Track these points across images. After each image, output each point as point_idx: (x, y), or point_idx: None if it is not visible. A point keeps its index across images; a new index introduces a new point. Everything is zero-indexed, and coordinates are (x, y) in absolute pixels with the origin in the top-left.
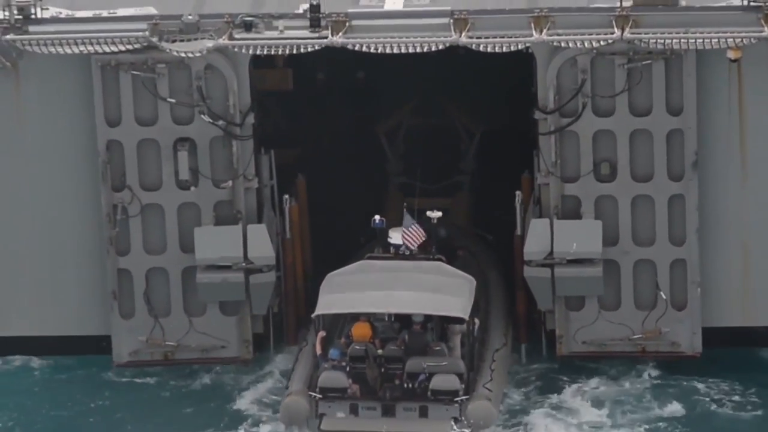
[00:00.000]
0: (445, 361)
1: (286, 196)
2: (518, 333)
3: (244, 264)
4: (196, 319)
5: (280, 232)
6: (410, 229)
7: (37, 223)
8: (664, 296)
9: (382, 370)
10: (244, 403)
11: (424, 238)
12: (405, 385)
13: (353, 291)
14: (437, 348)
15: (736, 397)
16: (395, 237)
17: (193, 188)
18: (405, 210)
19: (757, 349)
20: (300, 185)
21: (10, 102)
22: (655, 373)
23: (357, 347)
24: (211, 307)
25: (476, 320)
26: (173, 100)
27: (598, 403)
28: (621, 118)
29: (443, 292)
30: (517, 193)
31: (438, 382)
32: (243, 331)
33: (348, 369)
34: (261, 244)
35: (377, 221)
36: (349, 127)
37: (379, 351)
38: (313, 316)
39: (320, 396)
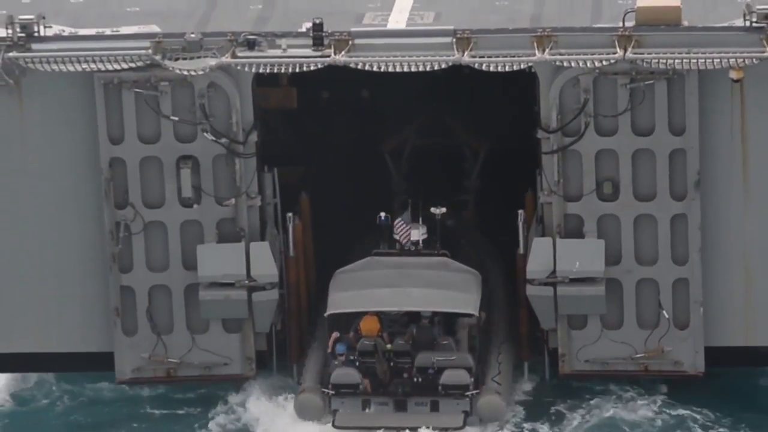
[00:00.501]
0: (454, 355)
1: (290, 214)
2: (521, 351)
3: (246, 281)
4: (198, 337)
5: (284, 250)
6: (403, 225)
7: (40, 240)
8: (666, 315)
9: (391, 364)
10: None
11: (421, 236)
12: (414, 380)
13: (362, 288)
14: (445, 342)
15: (739, 417)
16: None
17: (195, 206)
18: (410, 207)
19: (759, 368)
20: (304, 203)
21: (14, 119)
22: (657, 392)
23: (366, 342)
24: (214, 325)
25: (483, 314)
26: (176, 118)
27: (600, 422)
28: (623, 138)
29: (451, 287)
30: (520, 212)
31: (448, 376)
32: (246, 348)
33: (357, 363)
34: (264, 262)
35: (383, 218)
36: (354, 146)
37: (388, 346)
38: (325, 315)
39: (333, 392)
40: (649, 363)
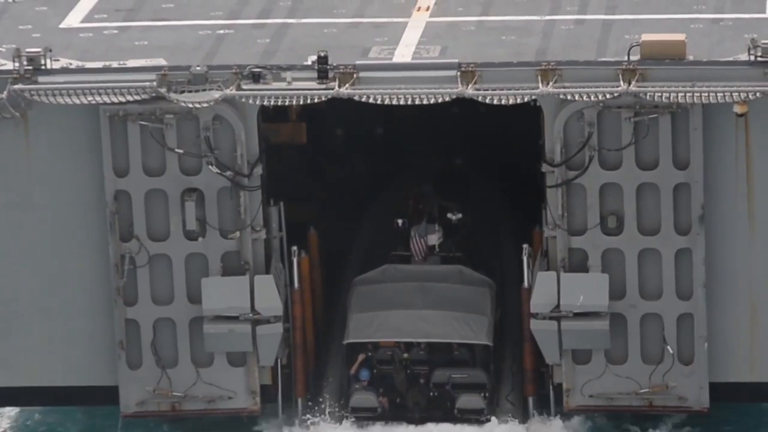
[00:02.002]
0: (468, 372)
1: (294, 248)
2: (525, 386)
3: (251, 315)
4: (203, 370)
5: (289, 284)
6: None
7: (44, 273)
8: (671, 350)
9: (408, 371)
10: None
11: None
12: (431, 393)
13: (380, 308)
14: (457, 352)
15: None
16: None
17: (200, 239)
18: (425, 217)
19: (765, 404)
20: (312, 238)
21: (20, 152)
22: (662, 427)
23: (384, 351)
24: (219, 358)
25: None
26: (181, 151)
27: None
28: (628, 172)
29: (467, 308)
30: (525, 246)
31: (464, 401)
32: (250, 382)
33: (375, 371)
34: (268, 296)
35: (400, 224)
36: (367, 183)
37: (405, 355)
38: (344, 343)
39: (353, 417)
40: (653, 398)
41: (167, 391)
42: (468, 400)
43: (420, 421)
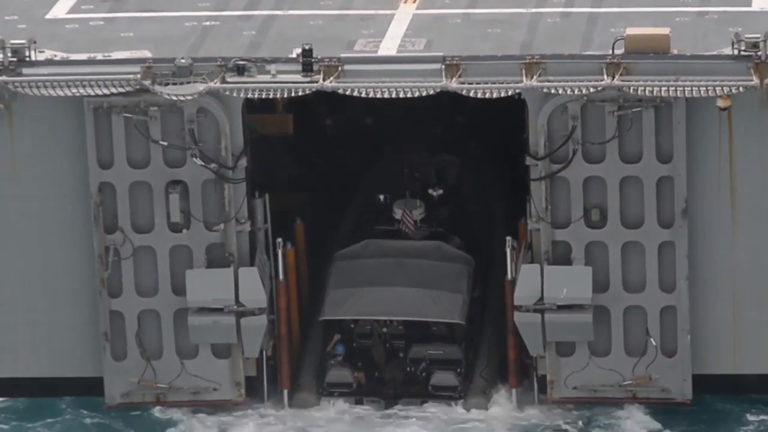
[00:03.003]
0: (444, 348)
1: (279, 240)
2: (510, 378)
3: (235, 307)
4: (187, 362)
5: (274, 276)
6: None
7: (29, 264)
8: (654, 343)
9: (387, 345)
10: None
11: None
12: (408, 369)
13: (358, 284)
14: (435, 328)
15: None
16: (398, 212)
17: (185, 231)
18: (407, 193)
19: (747, 396)
20: (298, 230)
21: (4, 143)
22: (645, 419)
23: (363, 325)
24: (203, 350)
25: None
26: (165, 143)
27: None
28: (611, 165)
29: (443, 286)
30: (508, 238)
31: (438, 378)
32: (235, 373)
33: (354, 345)
34: (252, 288)
35: (382, 199)
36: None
37: (384, 329)
38: (320, 319)
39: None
40: (636, 390)
41: (152, 383)
42: (442, 378)
43: (394, 398)
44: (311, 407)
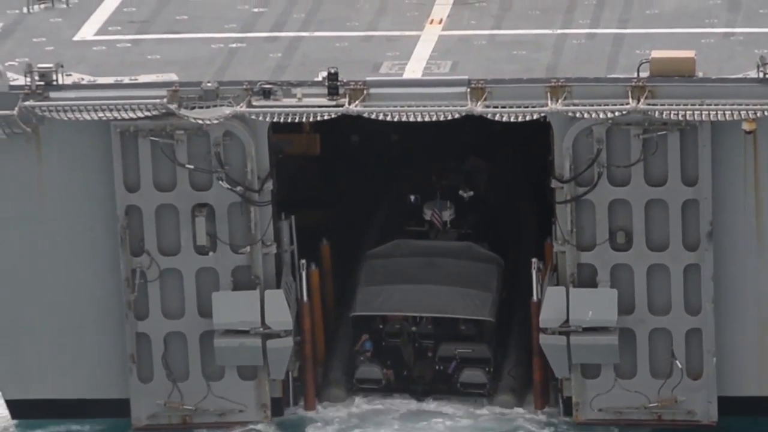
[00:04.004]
0: (473, 346)
1: (303, 261)
2: (535, 400)
3: (261, 329)
4: (214, 383)
5: (300, 297)
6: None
7: (57, 287)
8: (679, 365)
9: (416, 345)
10: None
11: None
12: (437, 367)
13: (389, 282)
14: (463, 327)
15: None
16: (428, 213)
17: (211, 253)
18: (438, 192)
19: None
20: (324, 250)
21: (31, 167)
22: None
23: (392, 324)
24: (229, 371)
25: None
26: (192, 166)
27: None
28: (636, 188)
29: (473, 285)
30: (534, 260)
31: (467, 376)
32: (261, 395)
33: (383, 344)
34: (278, 310)
35: (413, 199)
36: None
37: (413, 328)
38: (351, 315)
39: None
40: (662, 412)
41: (178, 404)
42: (471, 375)
43: (423, 394)
44: (341, 403)
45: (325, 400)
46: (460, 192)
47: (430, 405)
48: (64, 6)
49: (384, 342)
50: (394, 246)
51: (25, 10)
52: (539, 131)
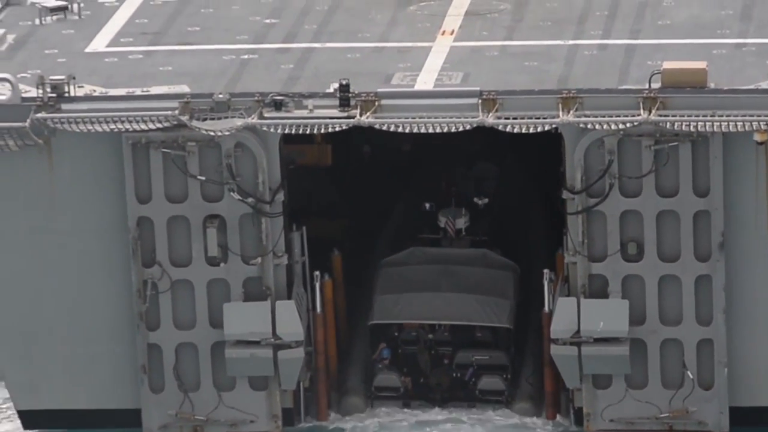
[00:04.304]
0: (491, 353)
1: (317, 273)
2: (547, 410)
3: (272, 340)
4: (225, 394)
5: (311, 308)
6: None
7: (68, 298)
8: (691, 376)
9: (432, 352)
10: None
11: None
12: (454, 374)
13: (405, 290)
14: (480, 334)
15: None
16: (443, 221)
17: (222, 264)
18: (453, 199)
19: None
20: (336, 261)
21: (43, 178)
22: None
23: (409, 332)
24: (240, 382)
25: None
26: (203, 178)
27: None
28: (648, 199)
29: (489, 291)
30: (546, 270)
31: (485, 383)
32: (272, 405)
33: (400, 351)
34: (289, 320)
35: (427, 207)
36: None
37: (430, 335)
38: (369, 324)
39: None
40: (673, 423)
41: (190, 415)
42: (489, 382)
43: (442, 401)
44: (360, 413)
45: (343, 409)
46: (475, 199)
47: (439, 415)
48: (77, 18)
49: (400, 349)
50: (410, 254)
51: (37, 21)
52: (547, 136)
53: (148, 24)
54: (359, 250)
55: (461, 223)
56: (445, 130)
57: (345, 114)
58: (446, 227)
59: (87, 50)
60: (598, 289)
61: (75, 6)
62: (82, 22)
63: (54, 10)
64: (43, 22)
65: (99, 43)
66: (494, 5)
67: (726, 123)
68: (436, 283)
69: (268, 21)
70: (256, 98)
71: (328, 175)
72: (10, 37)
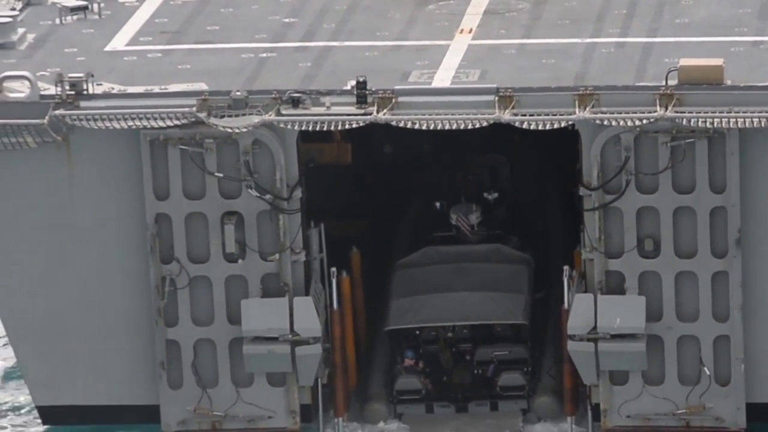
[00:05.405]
0: (510, 348)
1: (333, 269)
2: (565, 406)
3: (290, 336)
4: (243, 390)
5: (329, 305)
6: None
7: (87, 295)
8: (707, 372)
9: (453, 349)
10: None
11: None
12: (475, 371)
13: (420, 292)
14: (499, 329)
15: None
16: (454, 218)
17: (240, 261)
18: (463, 198)
19: None
20: (354, 258)
21: (62, 175)
22: None
23: (428, 331)
24: (258, 378)
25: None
26: (221, 175)
27: None
28: (664, 195)
29: (504, 287)
30: (566, 267)
31: (505, 379)
32: (290, 401)
33: (421, 351)
34: (307, 317)
35: (438, 205)
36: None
37: (449, 334)
38: (385, 330)
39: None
40: (690, 419)
41: (208, 411)
42: (509, 378)
43: (463, 401)
44: (384, 420)
45: (366, 416)
46: (485, 194)
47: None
48: (97, 17)
49: (422, 349)
50: (424, 254)
51: (57, 21)
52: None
53: (167, 23)
54: (379, 249)
55: (474, 218)
56: (462, 127)
57: (362, 111)
58: (459, 224)
59: (106, 49)
60: (614, 286)
61: (95, 6)
62: (102, 21)
63: (74, 9)
64: (64, 21)
65: (118, 42)
66: (513, 4)
67: (742, 119)
68: (449, 283)
69: (287, 20)
70: (273, 95)
71: (348, 174)
72: (30, 36)
